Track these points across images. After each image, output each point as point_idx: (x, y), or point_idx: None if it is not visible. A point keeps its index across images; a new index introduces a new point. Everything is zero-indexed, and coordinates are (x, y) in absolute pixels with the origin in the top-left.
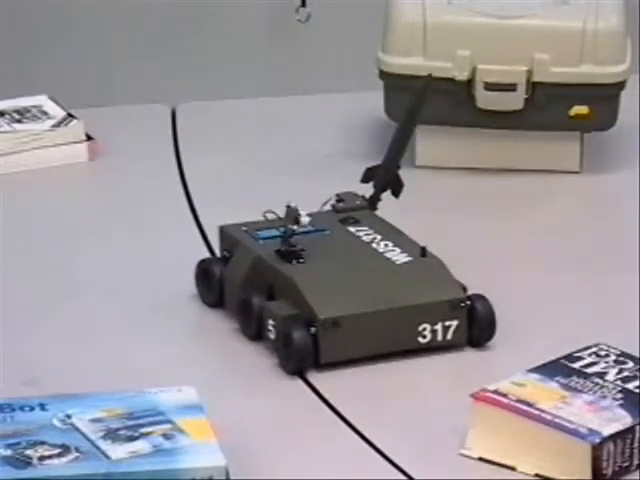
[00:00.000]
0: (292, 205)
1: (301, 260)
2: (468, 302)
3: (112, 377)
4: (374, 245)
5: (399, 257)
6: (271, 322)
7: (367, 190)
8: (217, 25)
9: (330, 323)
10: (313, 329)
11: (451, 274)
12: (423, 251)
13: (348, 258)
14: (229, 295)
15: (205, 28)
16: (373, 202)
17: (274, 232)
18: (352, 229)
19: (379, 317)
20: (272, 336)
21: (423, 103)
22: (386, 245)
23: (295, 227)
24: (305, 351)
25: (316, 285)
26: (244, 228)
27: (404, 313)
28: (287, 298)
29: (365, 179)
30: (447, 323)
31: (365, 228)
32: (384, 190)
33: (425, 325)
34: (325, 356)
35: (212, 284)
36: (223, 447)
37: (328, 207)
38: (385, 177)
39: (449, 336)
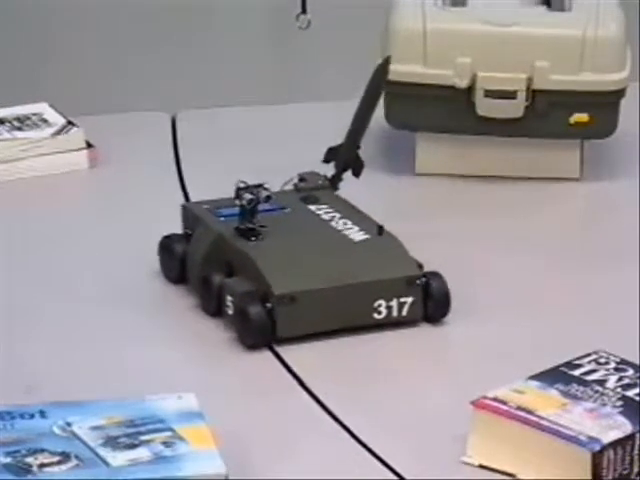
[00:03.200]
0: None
1: (260, 237)
2: (423, 279)
3: (110, 379)
4: (333, 223)
5: (357, 235)
6: (229, 298)
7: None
8: (217, 33)
9: (287, 298)
10: (269, 304)
11: (407, 252)
12: (380, 229)
13: (306, 235)
14: (191, 272)
15: (205, 36)
16: (334, 182)
17: (235, 210)
18: (312, 207)
19: (335, 293)
20: (230, 312)
21: (381, 83)
22: (345, 223)
23: (254, 204)
24: (262, 326)
25: (273, 261)
26: (206, 206)
27: (360, 289)
28: (245, 275)
29: (327, 159)
30: (402, 300)
31: (325, 207)
32: (345, 170)
33: (380, 301)
34: (282, 331)
35: (174, 261)
36: (224, 454)
37: (290, 186)
38: (345, 157)
39: (404, 312)
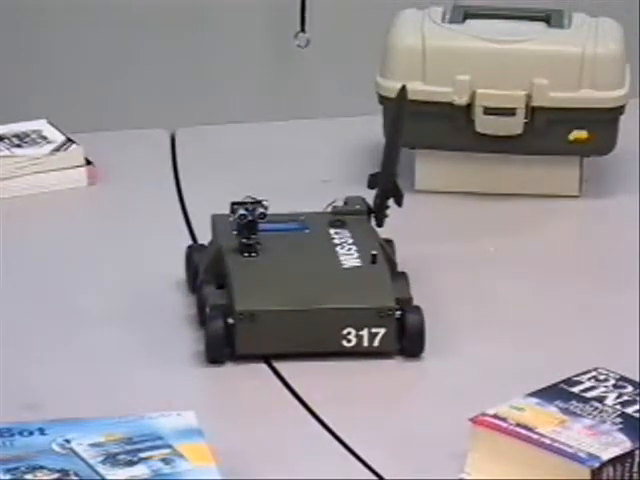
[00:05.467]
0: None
1: (253, 254)
2: (398, 312)
3: (109, 397)
4: (338, 248)
5: (350, 262)
6: (207, 310)
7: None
8: (216, 50)
9: (247, 315)
10: (231, 320)
11: (389, 283)
12: (374, 258)
13: (301, 258)
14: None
15: (204, 53)
16: (379, 212)
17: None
18: (332, 231)
19: (299, 316)
20: None
21: (402, 113)
22: (349, 250)
23: (247, 220)
24: (217, 341)
25: (249, 279)
26: (231, 219)
27: (326, 315)
28: (227, 289)
29: (371, 185)
30: (374, 330)
31: (346, 231)
32: (387, 199)
33: (349, 329)
34: (240, 348)
35: (189, 270)
36: (223, 471)
37: (330, 208)
38: (384, 188)
39: (376, 343)
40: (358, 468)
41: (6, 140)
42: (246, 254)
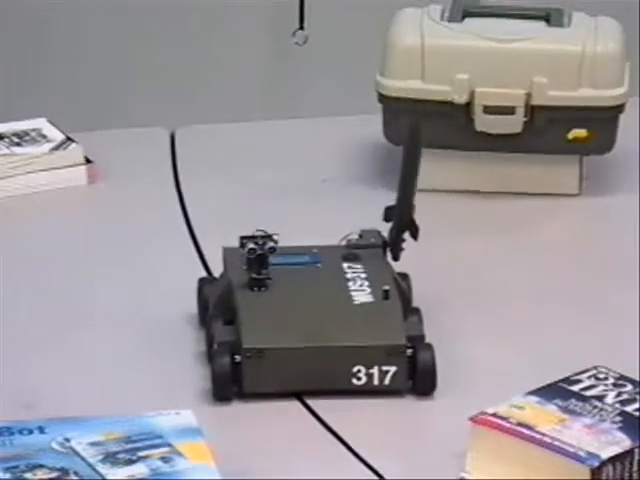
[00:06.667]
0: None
1: (263, 289)
2: (410, 350)
3: (111, 399)
4: (350, 283)
5: (362, 298)
6: (214, 347)
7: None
8: (215, 49)
9: (255, 353)
10: (238, 357)
11: (401, 320)
12: (386, 294)
13: (312, 293)
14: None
15: (203, 52)
16: (394, 242)
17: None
18: (345, 265)
19: (307, 353)
20: None
21: (417, 146)
22: (361, 285)
23: (256, 254)
24: (223, 378)
25: (258, 315)
26: (242, 251)
27: (335, 353)
28: (236, 325)
29: (386, 218)
30: (384, 368)
31: (359, 266)
32: (402, 231)
33: (359, 367)
34: (248, 386)
35: (200, 304)
36: (222, 471)
37: (345, 241)
38: (399, 223)
39: (387, 381)
40: (358, 468)
41: (5, 139)
42: (256, 289)
